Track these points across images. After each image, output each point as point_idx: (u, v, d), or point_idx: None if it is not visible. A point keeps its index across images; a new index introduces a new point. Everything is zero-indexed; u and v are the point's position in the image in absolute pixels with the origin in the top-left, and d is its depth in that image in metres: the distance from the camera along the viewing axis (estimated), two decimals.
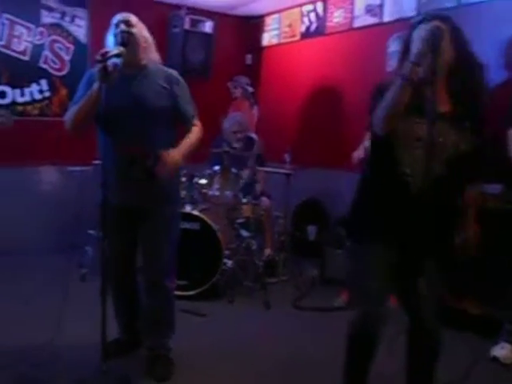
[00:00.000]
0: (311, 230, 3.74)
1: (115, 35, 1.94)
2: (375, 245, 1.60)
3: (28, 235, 3.70)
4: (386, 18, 3.39)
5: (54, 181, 3.89)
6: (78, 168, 3.62)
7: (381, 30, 3.40)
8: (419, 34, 1.48)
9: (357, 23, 3.64)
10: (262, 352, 2.36)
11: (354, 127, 3.64)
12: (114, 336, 2.19)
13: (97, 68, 1.84)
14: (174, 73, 2.09)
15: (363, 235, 1.66)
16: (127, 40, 1.91)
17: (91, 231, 3.37)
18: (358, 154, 2.88)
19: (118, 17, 2.00)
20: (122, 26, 1.94)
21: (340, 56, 3.78)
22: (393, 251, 1.57)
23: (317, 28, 3.97)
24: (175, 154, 1.94)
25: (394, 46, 2.62)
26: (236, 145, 3.38)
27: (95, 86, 1.87)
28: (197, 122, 2.11)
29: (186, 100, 2.08)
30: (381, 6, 3.43)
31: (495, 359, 2.25)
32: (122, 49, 1.86)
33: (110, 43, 1.97)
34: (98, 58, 1.83)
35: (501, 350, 2.25)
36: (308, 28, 4.05)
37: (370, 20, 3.53)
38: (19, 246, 3.62)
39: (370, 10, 3.49)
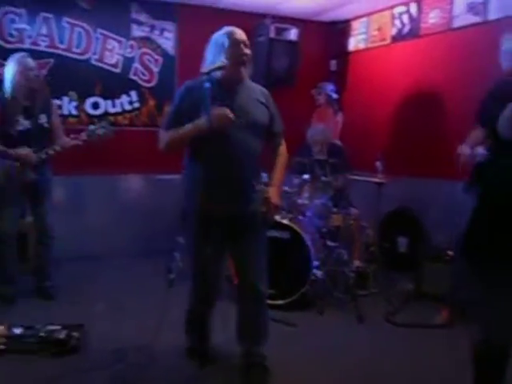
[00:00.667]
0: (402, 242, 3.56)
1: (237, 55, 1.97)
2: (497, 269, 1.47)
3: (117, 241, 3.91)
4: (491, 16, 3.15)
5: (143, 189, 4.09)
6: (166, 176, 3.80)
7: (484, 29, 3.17)
8: None
9: (456, 23, 3.41)
10: (355, 365, 2.29)
11: (450, 133, 3.43)
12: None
13: (200, 82, 1.91)
14: (264, 89, 2.14)
15: (483, 257, 1.53)
16: (247, 61, 2.00)
17: (179, 238, 3.48)
18: (465, 149, 2.60)
19: (235, 34, 2.01)
20: (244, 49, 1.99)
21: (436, 58, 3.58)
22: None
23: (410, 30, 3.80)
24: (276, 197, 2.06)
25: (507, 45, 2.41)
26: (319, 155, 3.34)
27: (203, 123, 1.89)
28: (282, 140, 2.17)
29: (277, 116, 2.14)
30: (484, 3, 3.19)
31: None
32: (225, 61, 1.93)
33: (213, 56, 2.01)
34: (204, 71, 1.90)
35: None
36: (400, 30, 3.89)
37: (472, 19, 3.29)
38: (109, 251, 3.81)
39: (471, 8, 3.26)
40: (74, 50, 3.82)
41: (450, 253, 3.08)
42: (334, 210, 3.15)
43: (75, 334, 2.30)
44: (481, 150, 2.42)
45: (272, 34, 3.91)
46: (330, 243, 3.14)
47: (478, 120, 2.52)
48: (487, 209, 1.58)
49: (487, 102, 2.35)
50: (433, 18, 3.59)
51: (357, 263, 3.23)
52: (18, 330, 2.33)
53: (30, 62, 2.83)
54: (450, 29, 3.47)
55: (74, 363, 2.16)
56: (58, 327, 2.36)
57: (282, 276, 2.91)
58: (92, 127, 2.89)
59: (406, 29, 3.84)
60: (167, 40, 4.08)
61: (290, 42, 3.91)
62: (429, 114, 3.64)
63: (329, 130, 3.52)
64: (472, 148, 2.56)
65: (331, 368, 2.24)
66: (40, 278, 3.05)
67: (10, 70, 2.80)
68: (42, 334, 2.29)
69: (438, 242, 3.35)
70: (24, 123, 2.82)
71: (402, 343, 2.54)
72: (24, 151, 2.79)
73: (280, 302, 2.88)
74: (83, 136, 2.87)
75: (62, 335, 2.28)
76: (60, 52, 3.77)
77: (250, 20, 4.15)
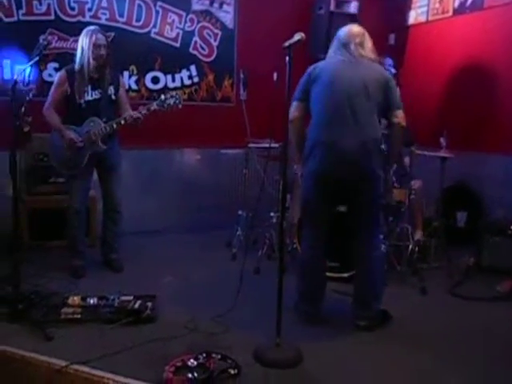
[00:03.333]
0: (461, 216, 3.60)
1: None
2: None
3: (178, 215, 3.99)
4: None
5: (203, 163, 4.13)
6: (230, 151, 3.86)
7: None
8: None
9: None
10: (420, 335, 2.36)
11: (508, 109, 3.41)
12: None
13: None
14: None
15: None
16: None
17: (240, 211, 3.56)
18: None
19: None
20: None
21: (500, 32, 3.50)
22: None
23: (473, 2, 3.70)
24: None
25: None
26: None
27: None
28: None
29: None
30: None
31: None
32: (302, 34, 2.06)
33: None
34: (286, 45, 1.99)
35: None
36: (463, 3, 3.79)
37: None
38: (170, 226, 3.92)
39: None
40: (134, 23, 3.83)
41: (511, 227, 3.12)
42: (397, 184, 3.18)
43: (149, 304, 2.37)
44: None
45: (332, 7, 3.87)
46: (392, 218, 3.22)
47: None
48: None
49: None
50: None
51: (418, 237, 3.28)
52: (92, 300, 2.42)
53: (101, 38, 2.84)
54: None
55: (149, 332, 2.22)
56: (131, 297, 2.44)
57: (346, 249, 2.97)
58: (162, 97, 2.91)
59: (469, 1, 3.74)
60: (226, 13, 4.06)
61: (350, 14, 3.85)
62: (490, 89, 3.60)
63: None
64: None
65: (397, 337, 2.31)
66: (107, 251, 3.14)
67: (81, 42, 2.82)
68: (116, 304, 2.37)
69: (497, 216, 3.39)
70: (92, 94, 2.86)
71: (466, 315, 2.61)
72: (72, 135, 2.82)
73: (344, 274, 2.96)
74: (154, 106, 2.89)
75: (137, 305, 2.36)
76: (120, 25, 3.78)
77: None
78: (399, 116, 2.35)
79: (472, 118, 3.72)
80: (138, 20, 3.85)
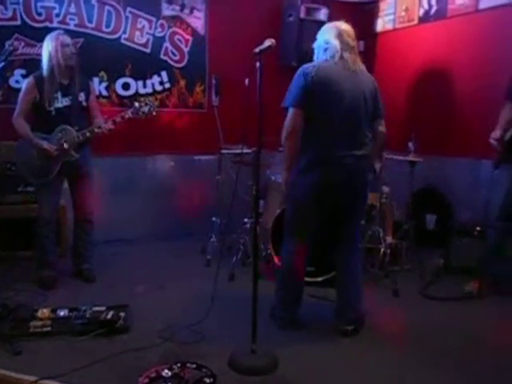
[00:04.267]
0: (430, 219, 3.71)
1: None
2: None
3: (151, 223, 3.94)
4: None
5: (176, 170, 4.09)
6: (203, 157, 3.84)
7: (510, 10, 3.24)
8: None
9: (483, 4, 3.46)
10: (393, 336, 2.43)
11: (475, 114, 3.55)
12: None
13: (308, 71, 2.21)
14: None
15: None
16: None
17: (214, 218, 3.56)
18: (495, 134, 2.81)
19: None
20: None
21: (463, 40, 3.64)
22: None
23: (437, 11, 3.84)
24: None
25: None
26: None
27: None
28: None
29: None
30: None
31: None
32: (273, 40, 2.05)
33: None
34: (256, 51, 2.00)
35: None
36: (427, 12, 3.93)
37: (499, 0, 3.33)
38: (142, 234, 3.87)
39: None
40: (104, 29, 3.78)
41: (478, 228, 3.24)
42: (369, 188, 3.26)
43: (122, 314, 2.33)
44: None
45: (302, 14, 3.93)
46: (364, 221, 3.28)
47: (508, 95, 2.67)
48: None
49: None
50: None
51: (389, 240, 3.35)
52: (62, 312, 2.35)
53: (67, 38, 2.80)
54: (477, 10, 3.51)
55: (123, 343, 2.18)
56: (103, 308, 2.39)
57: (321, 254, 2.99)
58: (137, 104, 2.89)
59: (433, 10, 3.89)
60: (197, 19, 4.05)
61: (320, 22, 3.91)
62: (455, 95, 3.75)
63: None
64: (505, 129, 2.72)
65: (372, 340, 2.35)
66: (79, 261, 3.07)
67: (47, 47, 2.76)
68: (88, 316, 2.31)
69: (464, 218, 3.51)
70: (62, 101, 2.80)
71: (437, 315, 2.69)
72: (45, 145, 2.75)
73: (319, 278, 2.99)
74: (128, 114, 2.86)
75: (110, 316, 2.31)
76: (89, 31, 3.73)
77: (281, 0, 4.17)
78: (383, 124, 2.40)
79: (439, 122, 3.86)
80: (107, 26, 3.80)
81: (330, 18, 4.03)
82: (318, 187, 2.25)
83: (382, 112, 2.38)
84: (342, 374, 2.03)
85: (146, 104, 2.89)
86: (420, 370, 2.08)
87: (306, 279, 2.89)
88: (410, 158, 3.25)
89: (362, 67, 2.33)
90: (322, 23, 3.99)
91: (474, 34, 3.57)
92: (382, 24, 4.38)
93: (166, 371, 1.82)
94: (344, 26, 2.31)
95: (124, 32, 3.86)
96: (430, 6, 3.92)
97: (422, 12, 3.98)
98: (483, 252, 2.99)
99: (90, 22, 3.74)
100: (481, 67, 3.49)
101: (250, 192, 3.37)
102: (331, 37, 2.27)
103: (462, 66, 3.66)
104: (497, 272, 2.88)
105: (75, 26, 3.69)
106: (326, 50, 2.29)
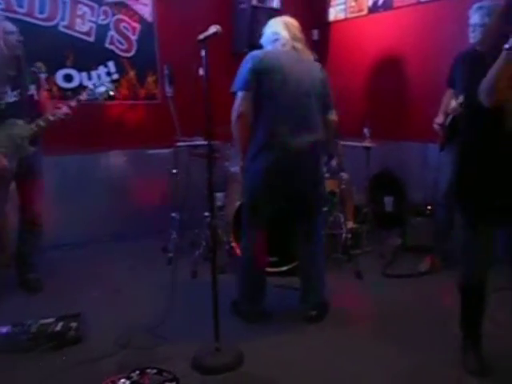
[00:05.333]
0: (388, 201, 3.79)
1: None
2: (479, 205, 1.74)
3: (106, 224, 3.70)
4: None
5: (129, 165, 3.89)
6: (158, 151, 3.66)
7: (450, 3, 3.34)
8: None
9: None
10: (357, 315, 2.51)
11: (422, 100, 3.66)
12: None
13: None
14: None
15: (473, 205, 1.78)
16: None
17: (174, 214, 3.41)
18: (438, 119, 2.93)
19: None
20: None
21: (408, 30, 3.74)
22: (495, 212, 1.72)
23: (384, 2, 3.90)
24: None
25: (474, 18, 2.57)
26: None
27: None
28: None
29: None
30: None
31: None
32: (218, 27, 1.98)
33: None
34: (200, 37, 1.93)
35: None
36: (375, 2, 3.97)
37: None
38: (97, 236, 3.61)
39: None
40: (37, 15, 3.46)
41: (429, 207, 3.38)
42: (328, 175, 3.26)
43: (73, 324, 2.18)
44: (453, 104, 2.69)
45: (254, 1, 3.84)
46: (325, 208, 3.30)
47: (448, 82, 2.81)
48: (471, 157, 1.80)
49: (457, 68, 2.61)
50: None
51: (350, 225, 3.39)
52: (4, 329, 2.15)
53: (9, 24, 2.55)
54: (419, 2, 3.62)
55: (75, 355, 2.05)
56: (52, 320, 2.22)
57: (284, 243, 2.99)
58: (91, 86, 2.73)
59: (381, 1, 3.95)
60: (144, 6, 3.83)
61: (273, 9, 3.86)
62: (405, 83, 3.84)
63: None
64: (446, 113, 2.84)
65: (337, 324, 2.38)
66: (24, 270, 2.84)
67: None
68: (33, 330, 2.13)
69: (417, 198, 3.64)
70: (12, 95, 2.57)
71: (398, 292, 2.77)
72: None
73: (283, 268, 2.97)
74: (83, 96, 2.67)
75: (59, 327, 2.16)
76: (20, 17, 3.38)
77: None
78: (334, 113, 2.43)
79: (391, 109, 3.93)
80: (41, 11, 3.48)
81: (283, 6, 3.99)
82: (267, 173, 2.23)
83: (332, 101, 2.41)
84: (307, 362, 2.03)
85: (102, 84, 2.74)
86: (384, 349, 2.11)
87: (271, 269, 2.90)
88: (365, 143, 3.29)
89: (311, 57, 2.37)
90: (274, 11, 3.95)
91: (418, 24, 3.67)
92: (334, 13, 4.38)
93: (123, 380, 1.71)
94: (289, 19, 2.38)
95: (62, 19, 3.57)
96: None
97: (370, 2, 4.03)
98: (434, 229, 3.10)
99: (20, 6, 3.41)
100: (426, 56, 3.60)
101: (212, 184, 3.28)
102: (279, 29, 2.31)
103: (410, 56, 3.76)
104: (447, 247, 3.00)
105: (2, 10, 3.30)
106: (275, 40, 2.32)
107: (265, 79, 2.18)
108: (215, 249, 2.03)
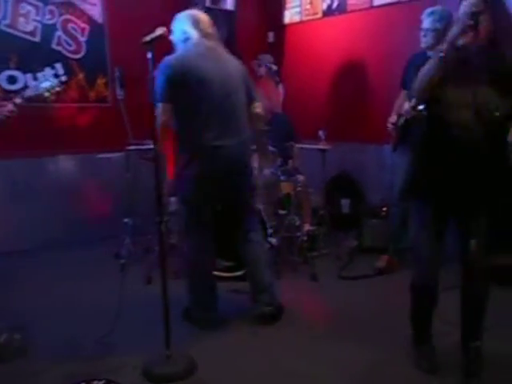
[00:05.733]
0: (345, 203, 3.86)
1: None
2: (429, 205, 1.80)
3: (53, 231, 3.57)
4: None
5: (78, 170, 3.76)
6: (109, 155, 3.52)
7: (402, 8, 3.49)
8: (462, 10, 1.61)
9: (377, 1, 3.69)
10: (312, 318, 2.51)
11: (377, 102, 3.76)
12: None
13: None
14: None
15: (420, 194, 1.84)
16: None
17: (126, 219, 3.30)
18: (392, 119, 3.01)
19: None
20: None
21: (361, 33, 3.85)
22: (445, 212, 1.79)
23: (338, 6, 4.00)
24: None
25: (426, 23, 2.67)
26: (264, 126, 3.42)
27: None
28: None
29: None
30: None
31: None
32: (165, 29, 1.95)
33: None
34: (146, 39, 1.88)
35: None
36: (329, 6, 4.06)
37: None
38: (44, 244, 3.47)
39: None
40: None
41: (384, 209, 3.46)
42: (283, 178, 3.28)
43: (17, 336, 2.09)
44: (406, 106, 2.78)
45: (208, 3, 3.82)
46: (281, 211, 3.30)
47: (402, 84, 2.91)
48: (423, 155, 1.86)
49: (409, 70, 2.72)
50: None
51: (307, 227, 3.41)
52: None
53: None
54: (371, 6, 3.75)
55: (20, 368, 1.95)
56: None
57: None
58: (34, 82, 2.61)
59: (335, 4, 4.05)
60: (93, 6, 3.73)
61: (227, 11, 3.85)
62: (358, 84, 3.96)
63: (272, 101, 3.58)
64: (399, 114, 2.92)
65: (293, 327, 2.37)
66: None
67: None
68: None
69: (374, 200, 3.73)
70: None
71: (353, 293, 2.80)
72: None
73: (239, 272, 2.92)
74: (28, 93, 2.47)
75: (1, 339, 2.05)
76: None
77: None
78: (259, 106, 2.40)
79: (347, 111, 4.03)
80: None
81: (237, 8, 3.99)
82: (200, 179, 2.21)
83: (257, 94, 2.39)
84: (261, 366, 1.99)
85: (46, 79, 2.56)
86: (339, 350, 2.12)
87: (227, 274, 2.87)
88: (320, 146, 3.33)
89: (225, 53, 2.32)
90: (229, 13, 3.96)
91: (371, 28, 3.79)
92: (290, 16, 4.44)
93: None
94: (198, 13, 2.31)
95: (4, 18, 3.40)
96: (332, 0, 4.05)
97: (325, 6, 4.12)
98: (390, 230, 3.17)
99: None
100: (380, 59, 3.71)
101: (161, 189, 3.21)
102: (188, 26, 2.24)
103: (365, 58, 3.87)
104: (402, 247, 3.07)
105: None
106: (185, 40, 2.25)
107: (183, 86, 2.15)
108: (164, 254, 1.97)
